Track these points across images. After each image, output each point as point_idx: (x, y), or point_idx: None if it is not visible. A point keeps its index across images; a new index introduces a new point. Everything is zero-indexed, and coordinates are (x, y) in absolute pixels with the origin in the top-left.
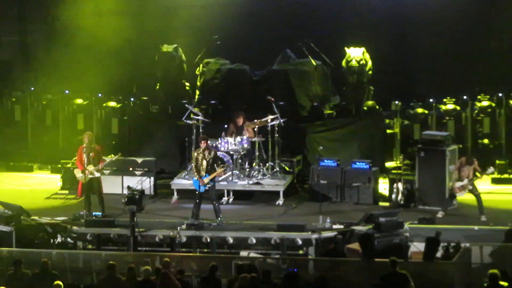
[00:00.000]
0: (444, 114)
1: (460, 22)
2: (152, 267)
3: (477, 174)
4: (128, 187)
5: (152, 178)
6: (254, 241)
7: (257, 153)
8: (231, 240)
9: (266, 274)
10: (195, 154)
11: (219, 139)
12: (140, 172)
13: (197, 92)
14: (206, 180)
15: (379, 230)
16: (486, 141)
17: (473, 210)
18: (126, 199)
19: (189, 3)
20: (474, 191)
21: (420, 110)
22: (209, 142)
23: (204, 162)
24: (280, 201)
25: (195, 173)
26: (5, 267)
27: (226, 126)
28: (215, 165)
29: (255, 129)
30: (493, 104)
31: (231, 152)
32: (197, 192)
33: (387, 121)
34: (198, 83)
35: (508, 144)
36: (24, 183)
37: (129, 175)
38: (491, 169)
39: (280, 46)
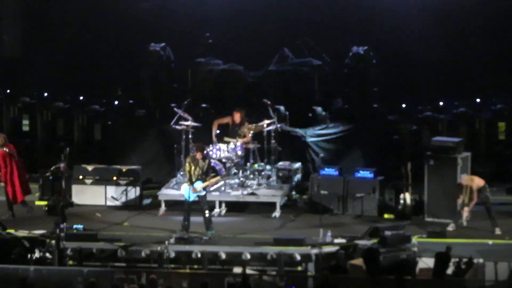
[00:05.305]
0: (455, 119)
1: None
2: (138, 285)
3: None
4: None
5: (138, 188)
6: (249, 256)
7: (252, 161)
8: (223, 256)
9: None
10: (188, 159)
11: (211, 145)
12: (124, 182)
13: (187, 94)
14: (198, 187)
15: (384, 245)
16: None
17: (487, 222)
18: (46, 208)
19: None
20: (485, 201)
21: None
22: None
23: (198, 169)
24: (277, 213)
25: (187, 179)
26: None
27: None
28: (208, 173)
29: (250, 134)
30: None
31: (224, 160)
32: (185, 202)
33: (394, 126)
34: (188, 85)
35: None
36: None
37: (113, 185)
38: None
39: (277, 45)
